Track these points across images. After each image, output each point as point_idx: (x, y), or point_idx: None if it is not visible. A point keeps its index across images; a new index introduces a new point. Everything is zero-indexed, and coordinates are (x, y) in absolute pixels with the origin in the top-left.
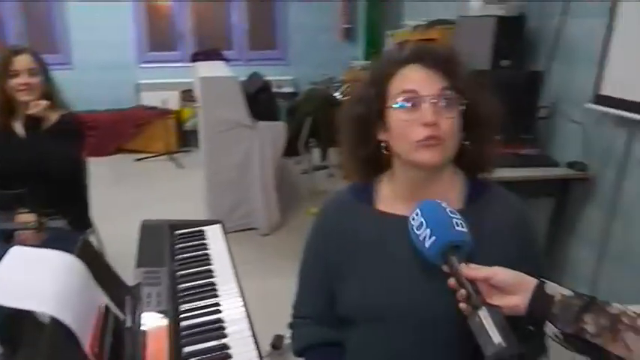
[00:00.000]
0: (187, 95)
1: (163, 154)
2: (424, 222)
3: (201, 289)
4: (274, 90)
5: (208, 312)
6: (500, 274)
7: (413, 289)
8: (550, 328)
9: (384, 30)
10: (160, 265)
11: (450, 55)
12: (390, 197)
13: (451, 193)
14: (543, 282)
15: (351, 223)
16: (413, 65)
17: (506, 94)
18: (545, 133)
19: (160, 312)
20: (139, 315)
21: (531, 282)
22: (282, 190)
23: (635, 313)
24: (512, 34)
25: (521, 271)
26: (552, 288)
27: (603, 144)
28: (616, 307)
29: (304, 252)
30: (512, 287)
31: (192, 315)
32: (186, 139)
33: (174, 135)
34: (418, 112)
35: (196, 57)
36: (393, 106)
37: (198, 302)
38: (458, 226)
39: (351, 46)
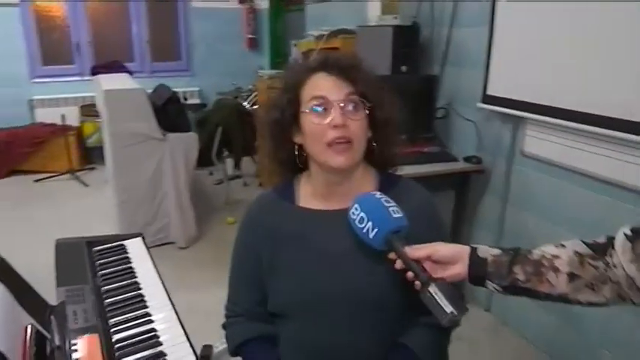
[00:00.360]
0: (88, 110)
1: (65, 173)
2: (364, 216)
3: (129, 302)
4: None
5: (140, 323)
6: (440, 249)
7: (340, 279)
8: (489, 285)
9: (288, 39)
10: (82, 282)
11: (354, 63)
12: (309, 195)
13: (365, 186)
14: (475, 248)
15: (275, 221)
16: (321, 73)
17: (406, 97)
18: (444, 131)
19: (89, 328)
20: (68, 333)
21: (466, 250)
22: (197, 202)
23: (551, 255)
24: (408, 42)
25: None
26: (483, 251)
27: (494, 139)
28: (536, 253)
29: (233, 252)
30: (451, 259)
31: (123, 327)
32: (90, 155)
33: (76, 152)
34: (328, 116)
35: (97, 70)
36: (306, 110)
37: (128, 315)
38: (395, 213)
39: (256, 55)
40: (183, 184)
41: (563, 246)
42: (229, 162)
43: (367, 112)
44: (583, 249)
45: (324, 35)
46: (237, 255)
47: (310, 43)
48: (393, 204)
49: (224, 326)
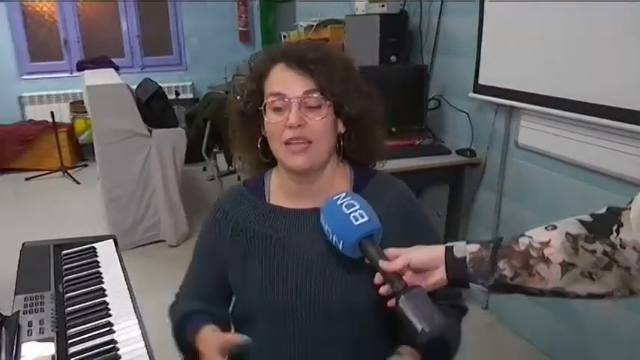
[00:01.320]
0: (79, 106)
1: (57, 171)
2: (329, 229)
3: (92, 310)
4: (173, 97)
5: (100, 333)
6: (415, 257)
7: (311, 287)
8: (473, 286)
9: (279, 31)
10: (44, 289)
11: (316, 54)
12: (279, 192)
13: (337, 185)
14: (451, 247)
15: (246, 217)
16: (280, 65)
17: (397, 88)
18: (436, 123)
19: (45, 340)
20: (19, 346)
21: (442, 252)
22: (189, 199)
23: (539, 243)
24: (396, 31)
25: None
26: (460, 249)
27: (487, 130)
28: (522, 241)
29: (196, 244)
30: (429, 265)
31: (82, 339)
32: (82, 153)
33: (67, 149)
34: (285, 114)
35: (83, 65)
36: (265, 106)
37: (88, 324)
38: (358, 219)
39: (249, 48)
40: (172, 180)
41: (554, 227)
42: (222, 158)
43: (331, 108)
44: (577, 229)
45: (313, 26)
46: (200, 247)
47: (300, 34)
48: (357, 207)
49: (171, 306)
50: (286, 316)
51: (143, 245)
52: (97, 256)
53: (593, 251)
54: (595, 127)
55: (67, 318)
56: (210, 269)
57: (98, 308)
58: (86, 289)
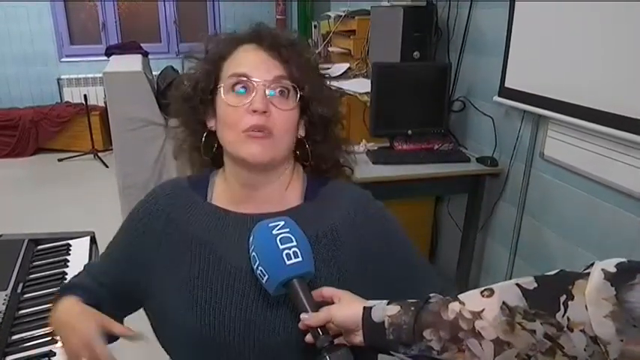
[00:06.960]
0: None
1: (88, 153)
2: (255, 256)
3: (42, 316)
4: None
5: (41, 343)
6: (337, 314)
7: (244, 305)
8: (396, 355)
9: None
10: (1, 288)
11: (292, 41)
12: (224, 196)
13: (289, 194)
14: (369, 309)
15: (182, 215)
16: (249, 45)
17: (417, 88)
18: (461, 126)
19: None
20: None
21: (360, 311)
22: None
23: (470, 313)
24: (422, 25)
25: (389, 254)
26: (379, 312)
27: (512, 138)
28: (452, 308)
29: (123, 224)
30: (350, 325)
31: (21, 347)
32: None
33: (99, 133)
34: (248, 98)
35: (111, 51)
36: (222, 85)
37: (34, 331)
38: (291, 258)
39: None
40: (187, 171)
41: (491, 293)
42: None
43: (298, 103)
44: (516, 299)
45: (341, 16)
46: (122, 233)
47: (330, 24)
48: (293, 243)
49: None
50: (213, 348)
51: None
52: (68, 254)
53: (533, 331)
54: (631, 145)
55: (15, 322)
56: (121, 259)
57: (48, 315)
58: (44, 292)
